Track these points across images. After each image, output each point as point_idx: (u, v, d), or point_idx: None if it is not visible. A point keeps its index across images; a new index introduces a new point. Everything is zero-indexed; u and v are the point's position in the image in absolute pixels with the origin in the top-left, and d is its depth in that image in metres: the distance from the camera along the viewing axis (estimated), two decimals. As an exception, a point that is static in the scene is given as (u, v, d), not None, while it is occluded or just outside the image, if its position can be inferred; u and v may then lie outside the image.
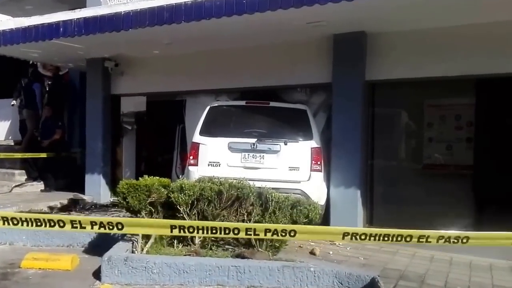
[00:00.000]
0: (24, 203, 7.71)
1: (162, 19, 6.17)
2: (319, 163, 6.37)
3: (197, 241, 5.49)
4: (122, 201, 5.13)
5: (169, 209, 5.61)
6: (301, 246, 6.02)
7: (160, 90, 8.60)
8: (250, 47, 7.55)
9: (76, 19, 6.88)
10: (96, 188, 8.89)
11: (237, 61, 7.77)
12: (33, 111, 10.79)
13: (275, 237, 4.03)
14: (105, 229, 3.98)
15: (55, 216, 4.11)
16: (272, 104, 6.71)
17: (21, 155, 9.06)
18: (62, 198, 8.59)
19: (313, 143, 6.39)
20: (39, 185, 9.59)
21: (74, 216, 4.66)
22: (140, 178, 5.60)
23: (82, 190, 9.15)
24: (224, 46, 7.63)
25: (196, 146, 6.52)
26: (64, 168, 9.99)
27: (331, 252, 5.83)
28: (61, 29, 7.07)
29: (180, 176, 9.64)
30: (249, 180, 5.73)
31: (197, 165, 6.45)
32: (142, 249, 5.23)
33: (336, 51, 6.78)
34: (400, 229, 6.30)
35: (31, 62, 12.32)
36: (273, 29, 6.55)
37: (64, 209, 7.97)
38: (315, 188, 6.28)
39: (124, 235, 6.09)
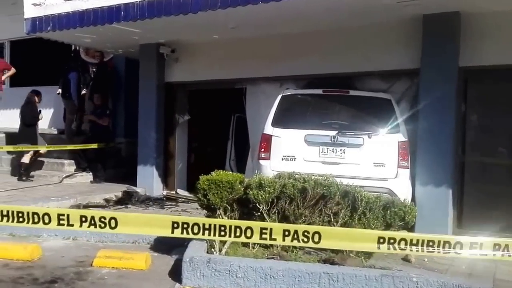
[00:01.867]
0: (80, 195, 7.50)
1: (236, 0, 5.78)
2: (406, 158, 5.91)
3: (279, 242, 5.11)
4: (202, 198, 4.79)
5: (245, 207, 5.26)
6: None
7: (218, 78, 8.23)
8: (319, 31, 7.11)
9: (139, 1, 6.59)
10: (148, 180, 8.63)
11: (305, 46, 7.32)
12: (70, 100, 10.62)
13: (295, 242, 3.76)
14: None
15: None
16: (352, 92, 6.26)
17: (73, 147, 8.87)
18: (114, 190, 8.39)
19: (401, 137, 5.92)
20: (89, 176, 9.42)
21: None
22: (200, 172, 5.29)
23: (130, 182, 8.92)
24: (291, 30, 7.19)
25: (268, 138, 6.13)
26: (112, 158, 9.78)
27: (426, 259, 5.38)
28: (123, 12, 6.81)
29: (235, 170, 9.47)
30: (327, 176, 5.33)
31: (269, 159, 6.07)
32: (220, 250, 4.89)
33: (426, 34, 6.25)
34: (491, 234, 5.99)
35: (73, 48, 12.30)
36: (356, 9, 6.10)
37: (120, 202, 7.75)
38: (404, 187, 5.83)
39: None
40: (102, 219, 3.66)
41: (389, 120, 5.98)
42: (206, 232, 3.87)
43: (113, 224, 3.73)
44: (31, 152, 9.11)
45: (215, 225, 3.83)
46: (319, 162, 5.89)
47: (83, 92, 10.78)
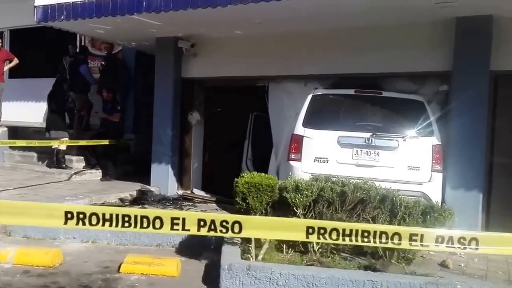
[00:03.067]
0: (94, 195, 7.30)
1: (270, -6, 5.64)
2: (440, 162, 5.83)
3: (316, 248, 5.00)
4: (241, 202, 4.65)
5: (279, 211, 5.13)
6: (424, 256, 5.48)
7: (239, 75, 8.05)
8: (347, 29, 6.97)
9: (164, -8, 6.39)
10: (163, 179, 8.44)
11: (331, 44, 7.21)
12: (81, 94, 10.40)
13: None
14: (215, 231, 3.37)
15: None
16: (385, 93, 6.17)
17: (85, 142, 8.65)
18: (127, 189, 8.20)
19: (435, 140, 5.85)
20: (98, 174, 9.20)
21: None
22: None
23: (141, 180, 8.75)
24: (319, 27, 7.06)
25: (299, 139, 6.01)
26: (122, 155, 9.59)
27: (462, 264, 5.30)
28: (145, 3, 6.59)
29: (251, 169, 9.33)
30: (361, 179, 5.23)
31: (301, 161, 5.95)
32: (257, 256, 4.77)
33: (459, 36, 6.21)
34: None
35: (78, 39, 12.05)
36: (391, 7, 5.98)
37: (136, 201, 7.56)
38: (437, 191, 5.76)
39: (220, 237, 5.74)
40: (224, 223, 3.33)
41: (423, 123, 5.90)
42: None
43: (236, 229, 3.38)
44: (65, 138, 8.97)
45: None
46: (353, 165, 5.79)
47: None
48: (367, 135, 5.77)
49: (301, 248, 5.20)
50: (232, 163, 9.48)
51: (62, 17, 7.38)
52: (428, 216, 4.94)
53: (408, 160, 5.76)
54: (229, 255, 4.73)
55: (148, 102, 9.90)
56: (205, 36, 8.15)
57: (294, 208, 4.95)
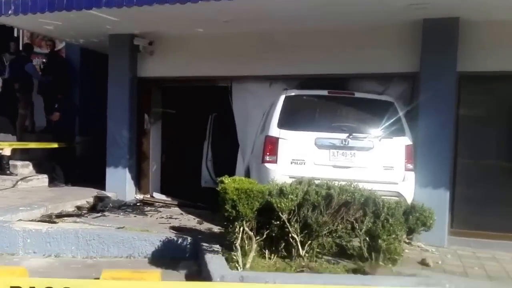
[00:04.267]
0: (49, 203, 6.71)
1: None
2: (412, 161, 5.89)
3: (302, 252, 4.87)
4: (230, 210, 4.38)
5: (261, 216, 4.92)
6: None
7: (200, 74, 7.77)
8: (314, 30, 6.91)
9: (128, -14, 5.96)
10: (120, 183, 7.95)
11: (298, 45, 7.12)
12: (28, 95, 9.62)
13: None
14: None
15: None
16: (357, 94, 6.15)
17: (36, 145, 7.95)
18: (82, 195, 7.67)
19: (407, 140, 5.90)
20: (45, 179, 8.53)
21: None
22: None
23: (94, 185, 8.23)
24: (286, 27, 6.93)
25: (273, 140, 5.82)
26: (70, 159, 8.93)
27: (439, 262, 5.40)
28: (106, -3, 6.14)
29: (211, 171, 9.05)
30: (338, 180, 5.17)
31: (276, 163, 5.77)
32: (245, 264, 4.55)
33: (426, 38, 6.32)
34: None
35: (15, 35, 11.18)
36: (361, 9, 5.97)
37: (95, 209, 7.05)
38: (411, 190, 5.81)
39: (194, 243, 5.48)
40: None
41: (395, 123, 5.92)
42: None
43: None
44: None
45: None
46: (330, 166, 5.71)
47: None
48: (344, 136, 5.71)
49: (283, 253, 5.05)
50: (191, 165, 9.18)
51: (10, 12, 6.71)
52: (410, 216, 4.98)
53: (383, 160, 5.76)
54: (216, 265, 4.50)
55: (95, 102, 9.36)
56: (163, 34, 7.77)
57: (280, 213, 4.77)
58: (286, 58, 7.12)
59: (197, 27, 7.19)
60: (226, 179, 4.99)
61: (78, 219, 6.28)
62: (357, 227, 4.94)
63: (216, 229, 6.30)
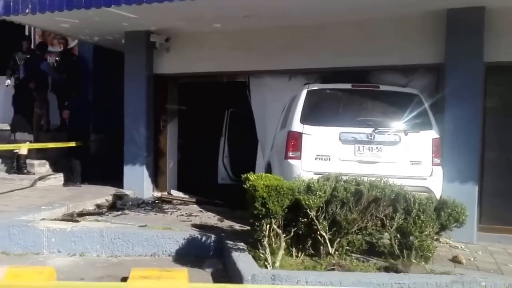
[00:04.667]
0: (70, 202, 6.65)
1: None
2: (439, 155, 5.75)
3: (331, 250, 4.75)
4: (260, 208, 4.27)
5: (287, 213, 4.80)
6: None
7: (217, 70, 7.67)
8: (334, 22, 6.79)
9: (148, -18, 5.88)
10: (138, 181, 7.89)
11: (318, 37, 7.00)
12: (43, 93, 9.57)
13: None
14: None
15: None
16: (382, 87, 6.00)
17: (54, 145, 7.88)
18: (100, 193, 7.62)
19: (434, 134, 5.75)
20: (62, 178, 8.48)
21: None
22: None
23: (110, 182, 8.20)
24: (305, 21, 6.82)
25: (297, 136, 5.70)
26: (86, 157, 8.85)
27: (471, 258, 5.27)
28: (127, -7, 6.05)
29: (228, 167, 8.98)
30: (364, 176, 5.04)
31: (300, 159, 5.65)
32: (274, 263, 4.45)
33: (451, 28, 6.16)
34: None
35: (27, 33, 11.11)
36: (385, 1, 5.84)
37: (115, 207, 6.99)
38: (439, 185, 5.67)
39: (218, 241, 5.39)
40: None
41: (422, 116, 5.77)
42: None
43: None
44: (27, 142, 8.18)
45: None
46: (355, 161, 5.57)
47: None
48: (369, 130, 5.57)
49: (310, 251, 4.94)
50: (207, 162, 9.10)
51: (27, 11, 6.68)
52: (442, 213, 4.85)
53: (410, 154, 5.62)
54: (245, 263, 4.39)
55: (108, 100, 9.29)
56: (180, 30, 7.67)
57: (308, 210, 4.66)
58: (306, 51, 7.02)
59: (215, 22, 7.09)
60: (252, 176, 4.91)
61: (99, 218, 6.22)
62: (388, 224, 4.81)
63: (237, 226, 6.22)
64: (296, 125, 5.75)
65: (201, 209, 7.32)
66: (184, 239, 5.40)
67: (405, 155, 5.62)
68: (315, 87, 6.01)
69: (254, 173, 4.76)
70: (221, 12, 6.52)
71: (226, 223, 6.41)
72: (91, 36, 8.57)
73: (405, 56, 6.51)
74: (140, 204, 7.29)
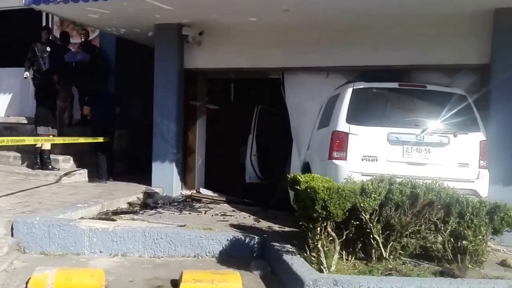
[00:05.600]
0: (104, 199, 6.64)
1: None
2: (486, 158, 5.74)
3: (386, 254, 4.74)
4: (320, 211, 4.24)
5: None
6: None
7: (250, 66, 7.64)
8: (375, 18, 6.72)
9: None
10: (167, 178, 7.84)
11: (358, 34, 6.96)
12: (68, 86, 9.52)
13: None
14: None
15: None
16: (429, 87, 5.98)
17: (84, 140, 7.83)
18: (131, 191, 7.59)
19: (481, 136, 5.74)
20: (87, 174, 8.45)
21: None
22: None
23: (137, 179, 8.21)
24: (347, 16, 6.74)
25: (343, 136, 5.68)
26: (112, 153, 8.80)
27: (514, 261, 5.26)
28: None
29: (256, 165, 8.95)
30: (412, 178, 5.01)
31: (346, 159, 5.63)
32: (330, 267, 4.44)
33: (498, 28, 6.17)
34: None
35: (44, 24, 11.03)
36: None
37: (147, 205, 6.96)
38: (486, 188, 5.66)
39: (261, 243, 5.37)
40: None
41: (469, 118, 5.77)
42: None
43: None
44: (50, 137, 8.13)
45: None
46: (404, 163, 5.57)
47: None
48: (418, 131, 5.57)
49: (360, 255, 4.93)
50: (235, 159, 9.08)
51: (59, 0, 6.60)
52: (495, 216, 4.83)
53: (458, 156, 5.62)
54: (302, 267, 4.37)
55: (130, 94, 9.23)
56: (212, 23, 7.60)
57: (362, 213, 4.65)
58: (344, 48, 6.98)
59: (251, 16, 7.01)
60: (302, 177, 4.91)
61: (135, 217, 6.21)
62: (442, 228, 4.80)
63: (276, 227, 6.21)
64: (342, 125, 5.74)
65: (234, 209, 7.31)
66: (227, 240, 5.39)
67: (453, 157, 5.62)
68: (360, 85, 5.98)
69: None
70: (261, 4, 6.45)
71: (263, 224, 6.40)
72: (117, 28, 8.51)
73: (448, 56, 6.51)
74: (172, 203, 7.26)
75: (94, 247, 5.24)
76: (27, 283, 4.22)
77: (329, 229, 4.57)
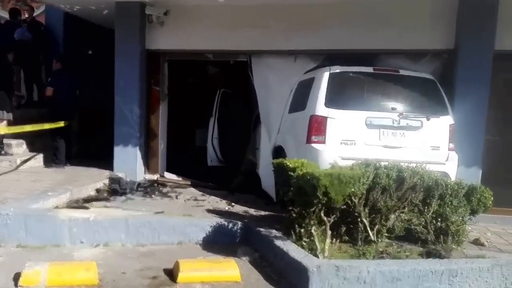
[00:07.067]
0: (73, 187, 6.04)
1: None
2: (454, 141, 5.81)
3: (373, 237, 4.66)
4: (321, 197, 4.05)
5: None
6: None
7: (216, 48, 7.23)
8: (342, 1, 6.56)
9: None
10: (130, 163, 7.32)
11: (326, 17, 6.77)
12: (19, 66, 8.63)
13: None
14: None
15: None
16: (402, 72, 5.92)
17: (49, 126, 7.04)
18: (94, 176, 6.98)
19: (450, 119, 5.79)
20: (41, 158, 7.72)
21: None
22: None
23: (94, 164, 7.63)
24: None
25: (321, 120, 5.51)
26: (69, 137, 8.07)
27: (488, 240, 5.39)
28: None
29: (217, 149, 8.61)
30: (387, 161, 4.97)
31: (325, 143, 5.47)
32: (324, 251, 4.28)
33: (463, 13, 6.21)
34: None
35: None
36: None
37: (115, 191, 6.45)
38: (455, 170, 5.73)
39: (244, 228, 5.14)
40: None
41: (439, 102, 5.80)
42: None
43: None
44: (4, 122, 7.29)
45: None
46: (380, 146, 5.51)
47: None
48: (394, 115, 5.51)
49: (345, 238, 4.81)
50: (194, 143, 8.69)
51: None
52: (472, 198, 4.89)
53: (430, 139, 5.64)
54: (299, 253, 4.18)
55: (81, 75, 8.48)
56: (177, 3, 7.09)
57: (352, 197, 4.52)
58: (312, 31, 6.75)
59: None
60: (290, 163, 4.72)
61: (108, 204, 5.76)
62: (425, 210, 4.79)
63: (252, 211, 5.99)
64: (320, 109, 5.55)
65: (202, 193, 6.98)
66: (210, 226, 5.12)
67: (426, 140, 5.64)
68: (337, 69, 5.80)
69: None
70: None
71: (238, 208, 6.15)
72: (71, 4, 7.74)
73: (413, 41, 6.46)
74: (138, 188, 6.81)
75: (75, 237, 4.77)
76: (16, 280, 3.74)
77: (322, 214, 4.42)
